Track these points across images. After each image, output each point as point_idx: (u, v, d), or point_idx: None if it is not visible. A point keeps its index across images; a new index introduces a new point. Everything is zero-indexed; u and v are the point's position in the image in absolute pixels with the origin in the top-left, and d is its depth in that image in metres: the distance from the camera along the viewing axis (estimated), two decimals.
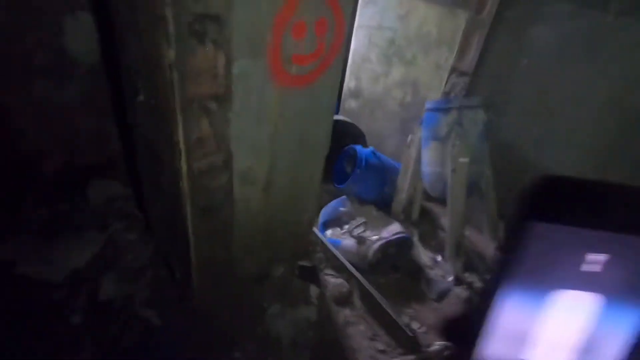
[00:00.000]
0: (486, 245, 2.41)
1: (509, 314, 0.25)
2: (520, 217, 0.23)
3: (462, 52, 2.23)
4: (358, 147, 2.37)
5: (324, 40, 1.26)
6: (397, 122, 2.71)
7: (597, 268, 0.23)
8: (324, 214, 2.26)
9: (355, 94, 2.98)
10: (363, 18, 2.75)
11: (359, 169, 2.26)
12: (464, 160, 1.92)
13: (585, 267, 0.24)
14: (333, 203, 2.29)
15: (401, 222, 2.31)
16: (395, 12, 2.53)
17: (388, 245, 1.95)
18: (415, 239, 2.26)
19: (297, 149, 1.45)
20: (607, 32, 1.73)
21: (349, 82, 3.00)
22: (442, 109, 2.01)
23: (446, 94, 2.33)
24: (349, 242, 2.01)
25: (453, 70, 2.29)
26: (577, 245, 0.23)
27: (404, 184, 2.29)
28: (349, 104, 3.05)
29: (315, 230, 2.07)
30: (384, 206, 2.36)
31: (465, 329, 0.28)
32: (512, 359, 0.26)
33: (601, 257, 0.23)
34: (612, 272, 0.23)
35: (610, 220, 0.22)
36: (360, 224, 2.08)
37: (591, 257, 0.23)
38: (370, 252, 1.91)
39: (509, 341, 0.26)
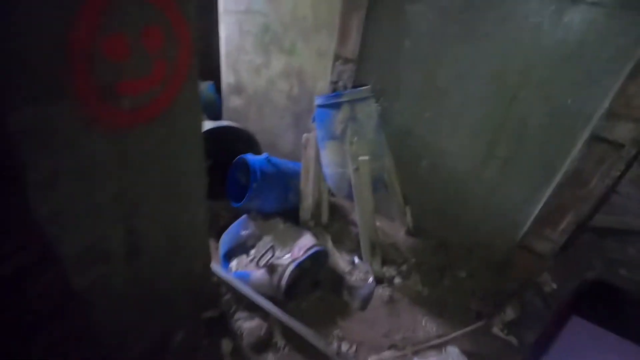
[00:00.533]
0: (397, 232, 2.39)
1: None
2: (564, 310, 0.18)
3: (342, 37, 2.03)
4: (249, 157, 2.06)
5: (163, 56, 0.91)
6: (288, 118, 2.46)
7: None
8: (224, 242, 1.94)
9: (237, 89, 2.62)
10: (228, 2, 2.36)
11: (254, 182, 1.97)
12: (364, 158, 1.77)
13: None
14: (232, 228, 1.98)
15: (312, 228, 2.13)
16: None
17: (301, 266, 1.74)
18: (330, 244, 2.10)
19: (161, 198, 1.10)
20: (480, 6, 1.69)
21: (227, 77, 2.62)
22: (332, 104, 1.81)
23: (334, 84, 2.14)
24: (258, 272, 1.75)
25: (337, 57, 2.09)
26: (605, 349, 0.22)
27: (307, 188, 2.08)
28: (232, 101, 2.68)
29: (216, 268, 1.75)
30: (292, 215, 2.14)
31: None
32: None
33: None
34: None
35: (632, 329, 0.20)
36: (268, 248, 1.82)
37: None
38: (284, 280, 1.68)
39: None
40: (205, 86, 2.87)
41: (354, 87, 1.99)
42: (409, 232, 2.33)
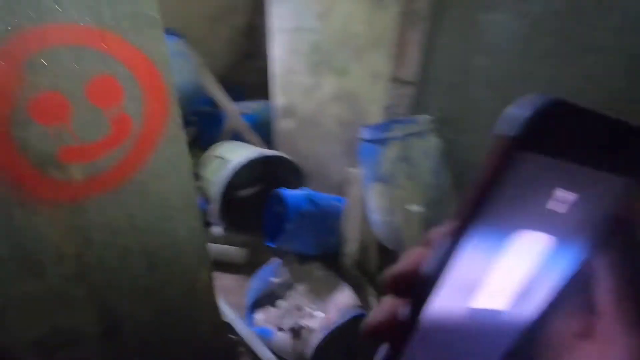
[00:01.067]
0: None
1: (467, 261, 0.20)
2: (508, 145, 0.18)
3: (400, 56, 1.70)
4: (287, 193, 1.84)
5: (125, 112, 0.71)
6: (339, 145, 2.19)
7: (562, 208, 0.20)
8: (251, 289, 1.74)
9: (287, 112, 2.43)
10: (278, 19, 2.19)
11: (290, 223, 1.74)
12: (415, 208, 1.42)
13: (551, 206, 0.20)
14: (262, 273, 1.77)
15: (354, 280, 1.82)
16: (313, 9, 1.98)
17: (333, 337, 1.46)
18: (374, 302, 1.77)
19: (142, 270, 0.92)
20: (587, 10, 1.23)
21: (277, 99, 2.45)
22: (379, 140, 1.49)
23: (389, 110, 1.81)
24: (281, 334, 1.51)
25: (393, 79, 1.77)
26: (549, 179, 0.19)
27: (350, 231, 1.79)
28: (282, 124, 2.50)
29: (238, 321, 1.55)
30: (333, 259, 1.87)
31: (419, 280, 0.21)
32: (461, 309, 0.22)
33: (570, 196, 0.19)
34: (570, 211, 0.20)
35: (591, 154, 0.19)
36: (298, 304, 1.58)
37: (560, 194, 0.19)
38: (310, 349, 1.42)
39: (460, 291, 0.21)
40: (260, 106, 2.76)
41: (410, 116, 1.64)
42: None
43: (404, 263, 0.23)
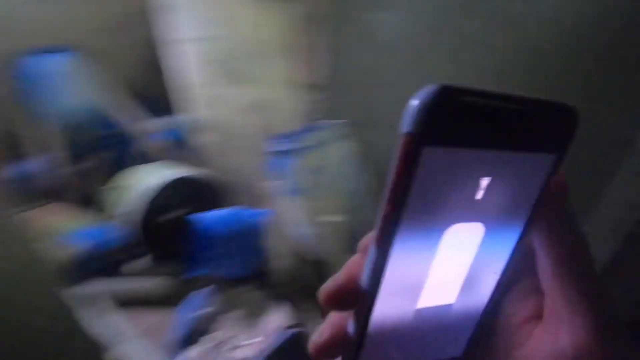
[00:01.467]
0: None
1: (402, 262, 0.20)
2: (409, 142, 0.18)
3: (309, 60, 1.65)
4: (208, 215, 1.72)
5: None
6: (257, 158, 2.09)
7: (485, 195, 0.20)
8: (177, 327, 1.59)
9: (206, 125, 2.29)
10: (184, 28, 2.03)
11: (212, 247, 1.62)
12: (336, 218, 1.38)
13: (473, 194, 0.19)
14: (188, 305, 1.63)
15: (289, 296, 1.75)
16: (218, 16, 1.86)
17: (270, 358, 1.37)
18: (315, 319, 1.71)
19: None
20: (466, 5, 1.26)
21: (193, 112, 2.29)
22: (291, 151, 1.43)
23: (305, 117, 1.75)
24: None
25: (306, 84, 1.71)
26: (461, 167, 0.19)
27: (277, 246, 1.71)
28: (202, 139, 2.35)
29: None
30: (265, 279, 1.77)
31: (359, 291, 0.21)
32: (408, 311, 0.22)
33: (483, 182, 0.19)
34: (492, 197, 0.20)
35: (495, 136, 0.18)
36: (227, 336, 1.46)
37: (478, 181, 0.19)
38: None
39: (404, 293, 0.21)
40: (177, 121, 2.57)
41: (322, 122, 1.60)
42: None
43: (340, 276, 0.23)
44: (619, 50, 1.00)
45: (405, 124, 0.18)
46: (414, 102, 0.17)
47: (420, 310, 0.22)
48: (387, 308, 0.20)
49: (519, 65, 1.27)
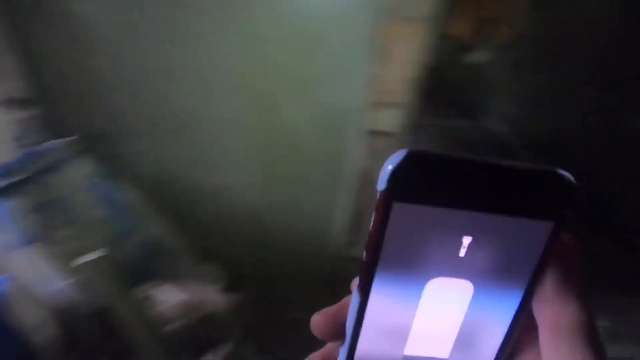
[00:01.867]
0: (211, 296, 1.87)
1: (385, 309, 0.21)
2: (382, 199, 0.19)
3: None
4: None
5: None
6: None
7: (462, 252, 0.20)
8: None
9: None
10: None
11: None
12: (94, 256, 1.12)
13: (453, 252, 0.20)
14: None
15: None
16: None
17: None
18: None
19: None
20: None
21: None
22: (3, 190, 1.05)
23: (17, 142, 1.34)
24: None
25: (5, 100, 1.29)
26: (439, 226, 0.20)
27: (29, 318, 1.28)
28: None
29: None
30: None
31: (343, 323, 0.23)
32: (394, 354, 0.23)
33: (465, 240, 0.20)
34: (478, 257, 0.20)
35: (471, 198, 0.19)
36: None
37: (455, 240, 0.20)
38: None
39: (386, 337, 0.22)
40: None
41: (42, 145, 1.25)
42: (224, 289, 1.84)
43: (334, 307, 0.24)
44: None
45: (380, 182, 0.19)
46: (387, 164, 0.18)
47: (407, 358, 0.23)
48: (372, 348, 0.22)
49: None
